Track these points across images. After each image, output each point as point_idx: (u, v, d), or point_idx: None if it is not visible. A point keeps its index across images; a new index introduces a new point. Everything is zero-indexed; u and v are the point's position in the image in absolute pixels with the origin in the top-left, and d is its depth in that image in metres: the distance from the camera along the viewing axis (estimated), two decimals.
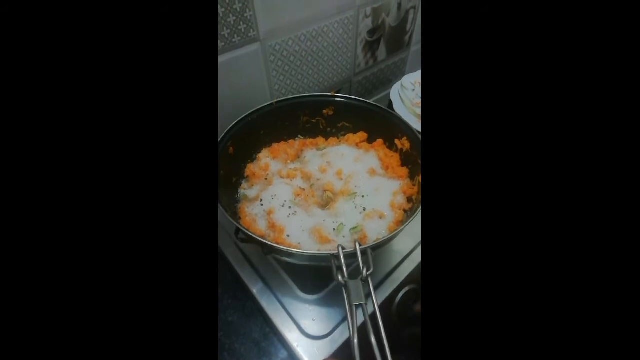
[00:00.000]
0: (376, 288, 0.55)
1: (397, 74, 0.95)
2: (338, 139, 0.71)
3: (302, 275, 0.57)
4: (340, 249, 0.42)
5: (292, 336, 0.51)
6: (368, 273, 0.39)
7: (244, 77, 0.64)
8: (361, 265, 0.40)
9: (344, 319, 0.52)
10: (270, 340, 0.53)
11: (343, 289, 0.38)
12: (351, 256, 0.41)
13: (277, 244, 0.47)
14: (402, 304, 0.57)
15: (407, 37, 0.89)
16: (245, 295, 0.58)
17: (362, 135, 0.69)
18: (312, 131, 0.71)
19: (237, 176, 0.64)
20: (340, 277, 0.39)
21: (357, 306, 0.35)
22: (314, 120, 0.70)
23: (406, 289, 0.57)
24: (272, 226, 0.54)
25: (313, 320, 0.52)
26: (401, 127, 0.63)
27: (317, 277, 0.57)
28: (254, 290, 0.55)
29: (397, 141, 0.66)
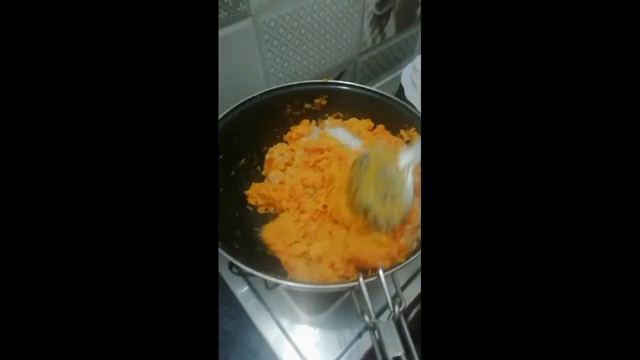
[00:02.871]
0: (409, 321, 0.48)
1: (406, 52, 0.85)
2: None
3: (302, 291, 0.50)
4: (361, 279, 0.34)
5: None
6: (401, 310, 0.31)
7: (233, 60, 0.53)
8: (389, 299, 0.33)
9: (353, 342, 0.46)
10: (269, 350, 0.47)
11: (371, 333, 0.30)
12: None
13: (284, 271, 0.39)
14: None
15: (419, 10, 0.78)
16: (240, 303, 0.51)
17: (367, 123, 0.60)
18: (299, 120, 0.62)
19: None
20: (367, 318, 0.31)
21: (394, 359, 0.28)
22: (298, 112, 0.61)
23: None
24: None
25: (316, 345, 0.46)
26: (410, 118, 0.54)
27: (320, 293, 0.50)
28: (248, 310, 0.48)
29: (402, 132, 0.57)
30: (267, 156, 0.59)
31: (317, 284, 0.37)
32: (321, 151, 0.56)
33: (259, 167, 0.59)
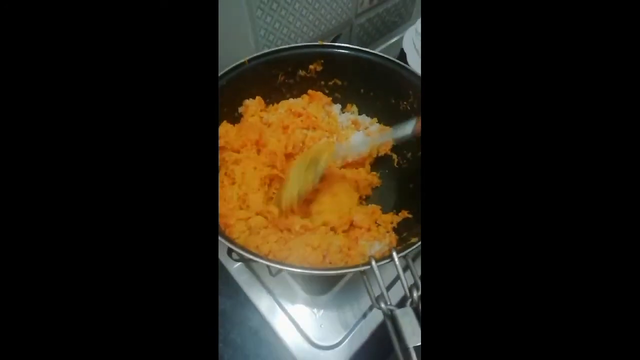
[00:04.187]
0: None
1: (404, 15, 0.79)
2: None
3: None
4: (373, 263, 0.31)
5: (296, 346, 0.43)
6: (419, 294, 0.29)
7: (219, 21, 0.47)
8: (404, 283, 0.30)
9: (357, 323, 0.44)
10: (269, 328, 0.46)
11: (387, 321, 0.28)
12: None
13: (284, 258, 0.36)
14: None
15: None
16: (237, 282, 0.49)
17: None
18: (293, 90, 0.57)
19: None
20: (383, 305, 0.29)
21: (415, 349, 0.26)
22: (291, 81, 0.56)
23: None
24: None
25: (321, 326, 0.44)
26: (412, 85, 0.50)
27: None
28: (248, 292, 0.46)
29: (402, 104, 0.53)
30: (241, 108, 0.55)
31: (324, 268, 0.34)
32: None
33: None
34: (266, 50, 0.51)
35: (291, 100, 0.57)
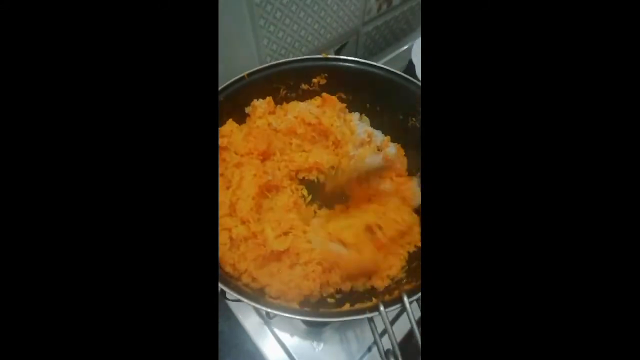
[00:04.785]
0: None
1: (413, 24, 0.76)
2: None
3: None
4: (382, 308, 0.28)
5: None
6: None
7: (221, 30, 0.44)
8: (417, 333, 0.28)
9: (362, 357, 0.41)
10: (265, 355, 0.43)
11: None
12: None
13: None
14: None
15: None
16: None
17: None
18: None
19: None
20: (392, 359, 0.26)
21: None
22: (294, 95, 0.52)
23: None
24: None
25: None
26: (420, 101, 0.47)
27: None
28: (245, 324, 0.43)
29: (411, 120, 0.50)
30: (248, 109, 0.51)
31: (324, 315, 0.31)
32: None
33: None
34: (267, 64, 0.48)
35: (302, 104, 0.53)
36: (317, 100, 0.53)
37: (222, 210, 0.40)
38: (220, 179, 0.44)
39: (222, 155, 0.45)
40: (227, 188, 0.42)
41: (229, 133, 0.46)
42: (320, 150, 0.52)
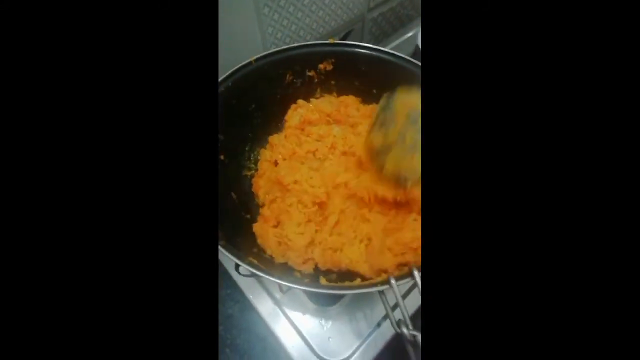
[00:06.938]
0: None
1: (419, 8, 0.75)
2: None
3: None
4: (393, 282, 0.29)
5: (303, 358, 0.41)
6: None
7: (225, 18, 0.45)
8: None
9: (370, 334, 0.42)
10: (275, 337, 0.44)
11: (407, 347, 0.26)
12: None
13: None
14: None
15: None
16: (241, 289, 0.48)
17: None
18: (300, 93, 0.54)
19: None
20: (405, 329, 0.26)
21: None
22: (300, 81, 0.53)
23: None
24: None
25: (329, 339, 0.42)
26: None
27: None
28: (254, 301, 0.44)
29: None
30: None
31: (337, 287, 0.32)
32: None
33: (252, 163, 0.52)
34: (273, 49, 0.49)
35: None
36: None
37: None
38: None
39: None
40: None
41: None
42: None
